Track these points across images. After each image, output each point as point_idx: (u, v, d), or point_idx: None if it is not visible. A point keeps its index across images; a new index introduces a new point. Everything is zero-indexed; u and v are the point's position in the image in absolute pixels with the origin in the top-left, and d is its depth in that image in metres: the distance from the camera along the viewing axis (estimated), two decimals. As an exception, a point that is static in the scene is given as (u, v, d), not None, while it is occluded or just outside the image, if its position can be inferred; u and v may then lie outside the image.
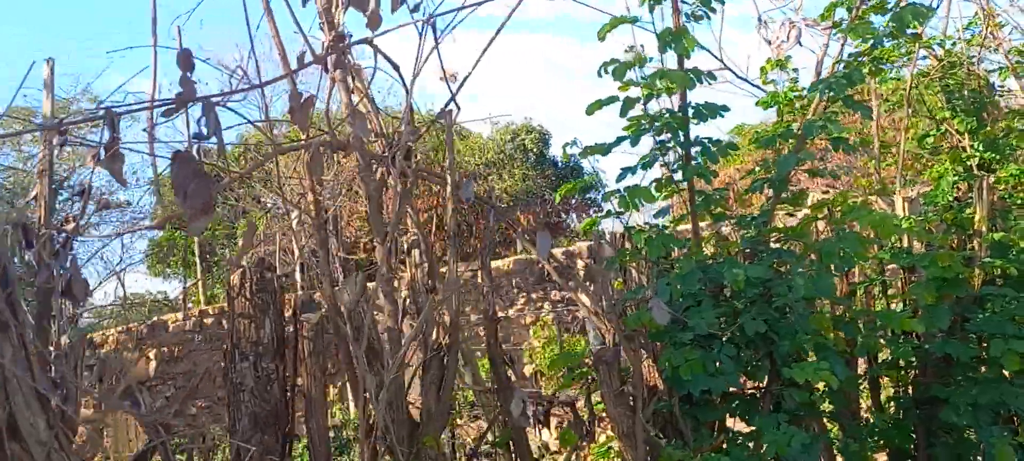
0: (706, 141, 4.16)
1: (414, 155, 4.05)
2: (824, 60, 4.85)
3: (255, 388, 3.45)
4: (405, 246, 4.30)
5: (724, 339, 4.27)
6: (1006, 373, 5.15)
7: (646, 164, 4.19)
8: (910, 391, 5.58)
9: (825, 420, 5.64)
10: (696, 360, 3.95)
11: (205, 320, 14.32)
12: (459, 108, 4.18)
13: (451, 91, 4.08)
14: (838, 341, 4.21)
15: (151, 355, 14.04)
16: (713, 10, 4.19)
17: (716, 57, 6.06)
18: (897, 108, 5.96)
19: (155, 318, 14.47)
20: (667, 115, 4.10)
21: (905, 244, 5.60)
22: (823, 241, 4.16)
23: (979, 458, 5.94)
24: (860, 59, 4.35)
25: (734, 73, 6.06)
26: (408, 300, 4.23)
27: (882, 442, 5.56)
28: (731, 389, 4.19)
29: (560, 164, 26.80)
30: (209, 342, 13.99)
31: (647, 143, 4.34)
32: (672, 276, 4.05)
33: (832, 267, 4.35)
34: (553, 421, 6.06)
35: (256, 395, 3.44)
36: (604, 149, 4.14)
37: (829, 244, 4.06)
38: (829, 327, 4.07)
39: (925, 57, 5.98)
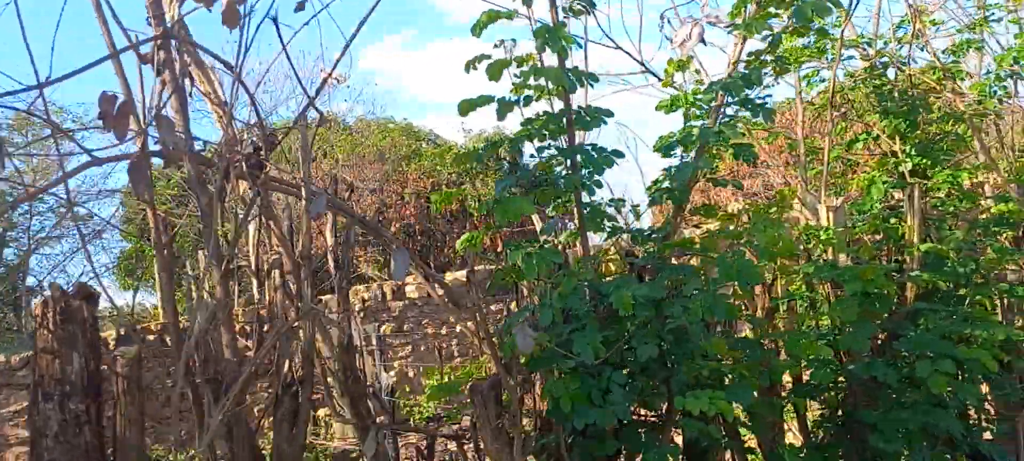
0: (590, 147, 3.78)
1: (267, 164, 3.64)
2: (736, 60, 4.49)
3: (60, 433, 3.02)
4: (266, 266, 3.90)
5: (620, 366, 3.90)
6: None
7: (523, 175, 3.81)
8: (839, 414, 5.22)
9: (747, 445, 5.29)
10: (577, 390, 3.56)
11: (147, 337, 13.80)
12: (321, 113, 3.78)
13: (308, 95, 3.68)
14: (739, 366, 3.83)
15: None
16: (593, 4, 3.82)
17: (636, 59, 5.71)
18: (822, 111, 5.61)
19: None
20: (543, 119, 3.71)
21: (831, 256, 5.24)
22: (718, 258, 3.78)
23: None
24: (763, 57, 3.99)
25: (655, 75, 5.71)
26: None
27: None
28: (623, 421, 3.79)
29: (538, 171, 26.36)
30: (156, 359, 13.46)
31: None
32: (554, 296, 3.66)
33: (736, 285, 4.00)
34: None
35: (61, 441, 3.02)
36: (476, 155, 3.74)
37: (724, 261, 3.68)
38: (725, 350, 3.69)
39: (853, 57, 5.64)
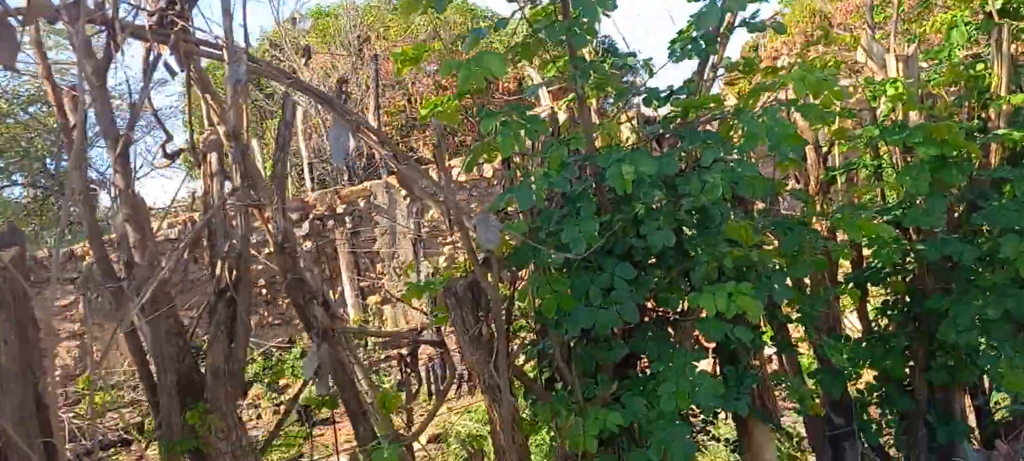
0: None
1: (187, 21, 2.97)
2: None
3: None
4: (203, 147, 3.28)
5: (628, 257, 3.21)
6: (1025, 274, 4.04)
7: (500, 24, 3.06)
8: (906, 300, 4.47)
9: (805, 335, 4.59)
10: (564, 291, 2.90)
11: (189, 227, 13.59)
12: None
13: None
14: (764, 254, 3.11)
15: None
16: None
17: None
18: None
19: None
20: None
21: (900, 116, 4.38)
22: (742, 116, 3.01)
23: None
24: None
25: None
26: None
27: (867, 363, 4.49)
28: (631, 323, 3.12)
29: (601, 45, 24.79)
30: (194, 250, 13.23)
31: None
32: (537, 174, 2.96)
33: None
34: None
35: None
36: (434, 1, 2.98)
37: (752, 120, 2.92)
38: (749, 236, 2.97)
39: None
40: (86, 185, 3.02)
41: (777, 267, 3.25)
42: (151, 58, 3.04)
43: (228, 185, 3.18)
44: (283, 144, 2.97)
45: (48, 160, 22.92)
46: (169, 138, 3.32)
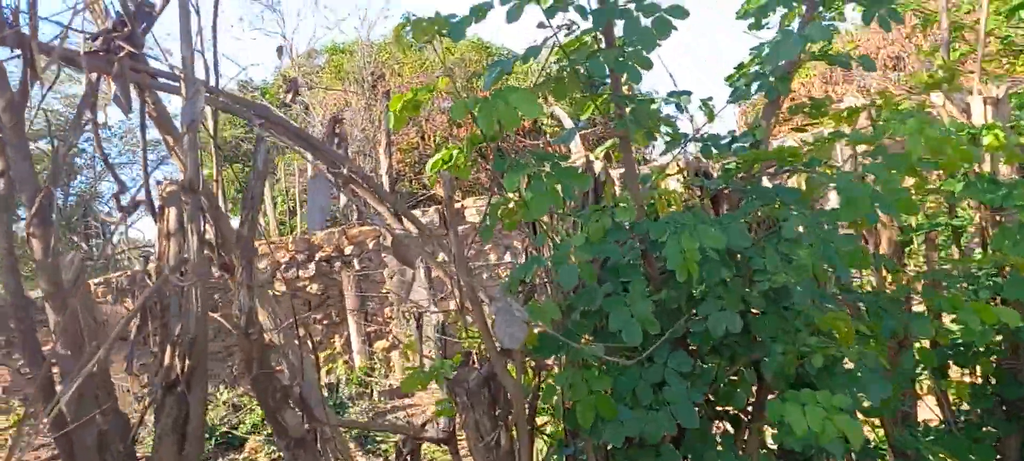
0: (633, 6, 2.37)
1: (140, 48, 2.38)
2: None
3: None
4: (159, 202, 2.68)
5: (683, 344, 2.57)
6: None
7: (530, 53, 2.45)
8: (993, 384, 3.80)
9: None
10: (604, 390, 2.26)
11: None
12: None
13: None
14: (868, 350, 2.46)
15: (130, 307, 12.87)
16: None
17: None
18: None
19: (136, 268, 13.22)
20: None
21: (987, 169, 3.75)
22: (838, 177, 2.38)
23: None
24: None
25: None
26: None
27: (951, 457, 3.82)
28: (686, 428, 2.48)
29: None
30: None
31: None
32: (575, 243, 2.33)
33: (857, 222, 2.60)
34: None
35: None
36: (448, 25, 2.39)
37: (849, 183, 2.29)
38: (849, 330, 2.32)
39: None
40: (10, 244, 2.41)
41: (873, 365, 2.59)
42: (97, 89, 2.45)
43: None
44: (252, 201, 2.35)
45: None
46: (122, 188, 2.71)
